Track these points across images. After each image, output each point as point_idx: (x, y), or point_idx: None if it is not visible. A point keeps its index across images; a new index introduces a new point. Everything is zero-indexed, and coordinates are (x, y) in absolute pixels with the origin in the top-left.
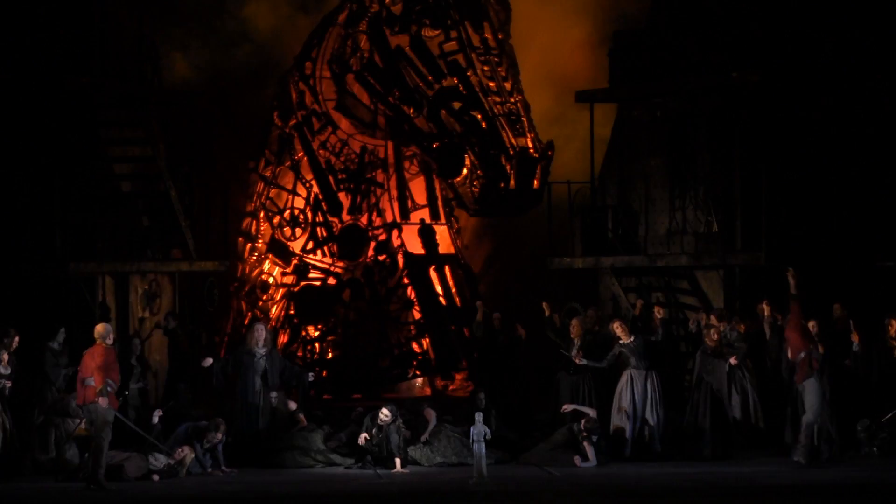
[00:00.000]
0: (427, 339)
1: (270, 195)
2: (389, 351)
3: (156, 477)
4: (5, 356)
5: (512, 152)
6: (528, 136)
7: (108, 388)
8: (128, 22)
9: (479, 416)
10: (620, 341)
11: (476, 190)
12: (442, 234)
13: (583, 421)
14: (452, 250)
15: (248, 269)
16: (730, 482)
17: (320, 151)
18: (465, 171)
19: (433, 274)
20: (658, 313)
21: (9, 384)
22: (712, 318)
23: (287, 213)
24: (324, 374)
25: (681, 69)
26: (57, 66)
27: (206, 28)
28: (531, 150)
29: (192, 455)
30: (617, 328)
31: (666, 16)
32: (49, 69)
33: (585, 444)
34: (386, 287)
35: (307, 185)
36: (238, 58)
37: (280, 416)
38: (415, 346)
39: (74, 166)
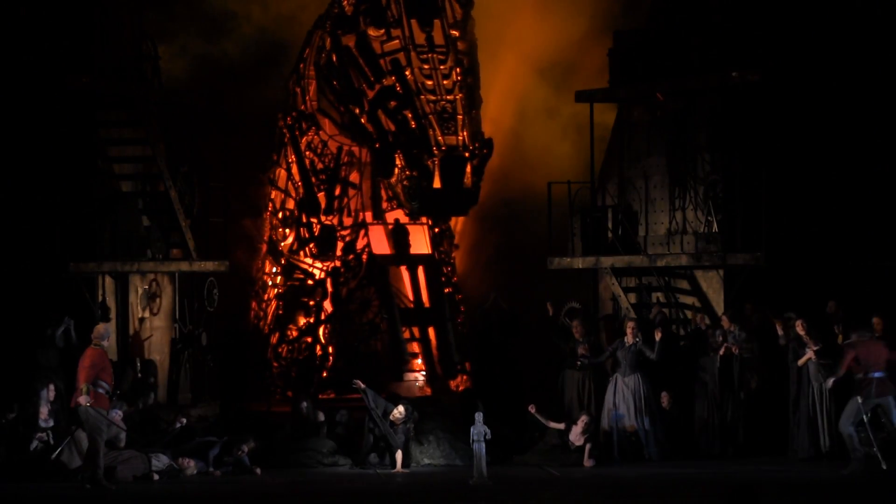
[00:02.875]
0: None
1: (272, 196)
2: (344, 352)
3: (156, 476)
4: (44, 410)
5: (436, 151)
6: (461, 134)
7: (100, 390)
8: (128, 21)
9: (479, 416)
10: (625, 339)
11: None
12: (418, 233)
13: (581, 422)
14: (429, 250)
15: (259, 268)
16: (729, 482)
17: (306, 153)
18: (396, 171)
19: (405, 274)
20: (657, 336)
21: (43, 437)
22: (723, 319)
23: (280, 214)
24: (293, 374)
25: (681, 69)
26: (57, 66)
27: (190, 12)
28: (460, 149)
29: (195, 470)
30: (628, 327)
31: (666, 16)
32: (49, 69)
33: (588, 444)
34: (348, 287)
35: (296, 185)
36: (226, 46)
37: (309, 424)
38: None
39: (74, 166)
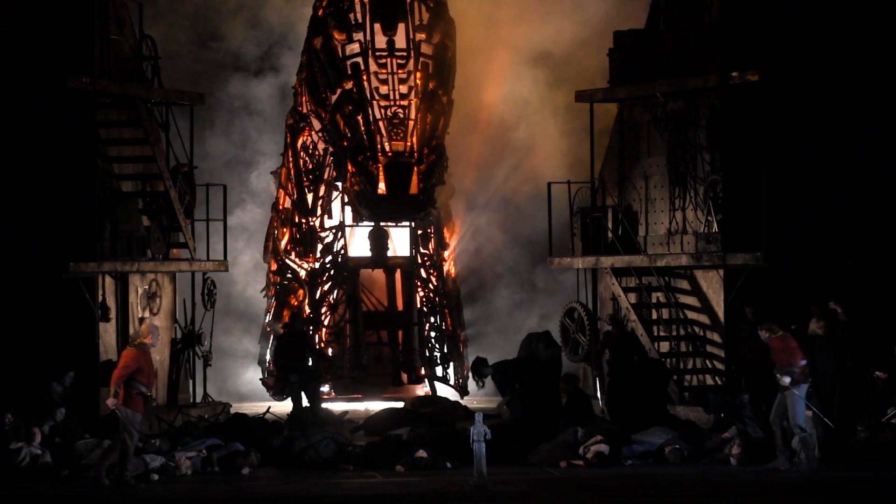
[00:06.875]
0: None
1: (278, 196)
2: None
3: (155, 476)
4: (38, 434)
5: (381, 157)
6: (409, 140)
7: (134, 391)
8: (128, 21)
9: (478, 416)
10: None
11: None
12: (401, 236)
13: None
14: (413, 253)
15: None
16: (729, 481)
17: (301, 153)
18: (348, 176)
19: (381, 277)
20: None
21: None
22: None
23: (283, 214)
24: (269, 381)
25: (681, 69)
26: (57, 66)
27: (189, 8)
28: (405, 155)
29: (191, 470)
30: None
31: (665, 16)
32: (49, 69)
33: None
34: (321, 290)
35: (293, 185)
36: (226, 43)
37: (318, 417)
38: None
39: (74, 166)
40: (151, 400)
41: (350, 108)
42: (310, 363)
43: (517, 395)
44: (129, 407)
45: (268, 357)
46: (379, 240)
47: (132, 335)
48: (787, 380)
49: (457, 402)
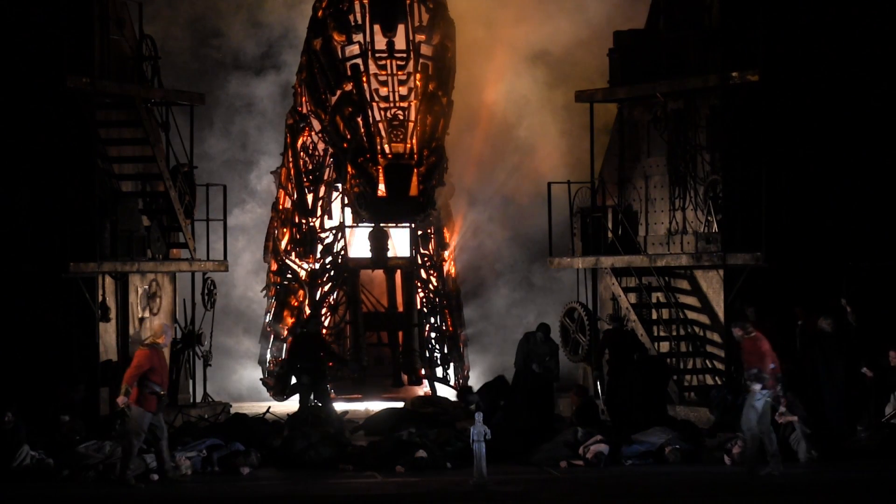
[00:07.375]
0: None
1: (278, 196)
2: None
3: (155, 476)
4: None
5: (381, 159)
6: (409, 142)
7: (147, 391)
8: (128, 21)
9: (479, 416)
10: None
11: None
12: (401, 236)
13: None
14: (412, 254)
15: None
16: (729, 481)
17: (301, 153)
18: (348, 177)
19: (381, 278)
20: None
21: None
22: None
23: (282, 215)
24: (269, 382)
25: (680, 69)
26: (57, 66)
27: (190, 7)
28: (405, 157)
29: (191, 470)
30: None
31: (666, 16)
32: (49, 69)
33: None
34: (321, 291)
35: (293, 185)
36: (226, 42)
37: (331, 417)
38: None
39: (74, 166)
40: (165, 399)
41: (350, 109)
42: (323, 364)
43: (502, 412)
44: (143, 406)
45: (268, 357)
46: (379, 240)
47: (133, 335)
48: (757, 386)
49: (457, 402)
